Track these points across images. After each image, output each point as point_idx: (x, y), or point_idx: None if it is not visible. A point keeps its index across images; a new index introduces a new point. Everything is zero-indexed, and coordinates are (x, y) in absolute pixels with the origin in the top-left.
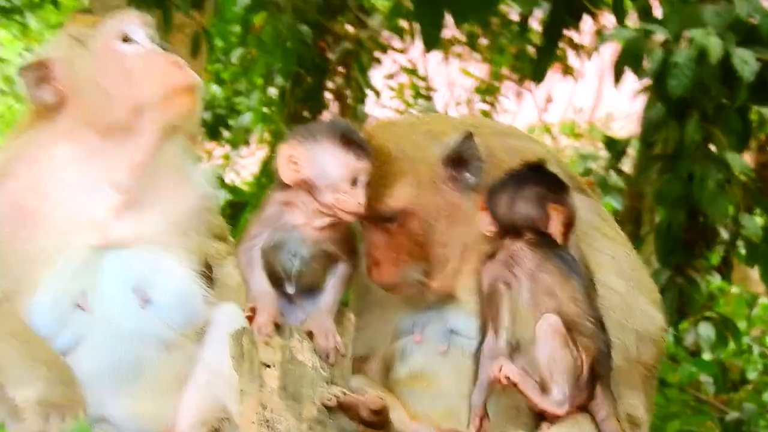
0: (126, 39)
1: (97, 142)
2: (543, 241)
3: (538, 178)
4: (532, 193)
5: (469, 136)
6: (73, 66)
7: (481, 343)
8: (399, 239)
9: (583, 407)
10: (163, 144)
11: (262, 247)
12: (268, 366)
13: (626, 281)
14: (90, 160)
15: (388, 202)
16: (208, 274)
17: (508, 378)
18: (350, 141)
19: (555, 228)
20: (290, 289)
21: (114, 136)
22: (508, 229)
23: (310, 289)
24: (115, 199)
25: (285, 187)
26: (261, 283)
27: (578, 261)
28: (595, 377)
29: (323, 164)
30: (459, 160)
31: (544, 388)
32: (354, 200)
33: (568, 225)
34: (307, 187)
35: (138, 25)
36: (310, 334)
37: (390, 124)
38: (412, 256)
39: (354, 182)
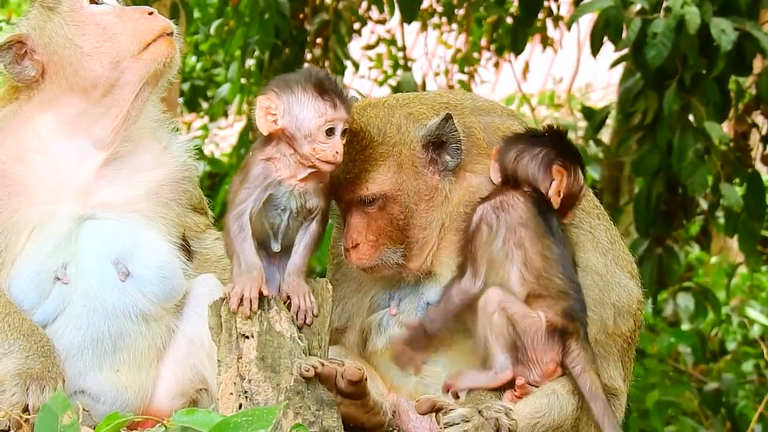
0: (93, 0)
1: (80, 106)
2: (537, 199)
3: (554, 141)
4: (542, 152)
5: (448, 118)
6: (48, 33)
7: (456, 278)
8: (379, 223)
9: (561, 364)
10: (143, 99)
11: (252, 210)
12: (247, 337)
13: (604, 256)
14: (73, 125)
15: (370, 187)
16: (187, 246)
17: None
18: (325, 90)
19: (554, 191)
20: (276, 247)
21: (96, 96)
22: (510, 181)
23: (286, 249)
24: (99, 159)
25: (265, 143)
26: (251, 255)
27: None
28: (564, 333)
29: (299, 114)
30: (439, 142)
31: (485, 363)
32: (331, 150)
33: (570, 197)
34: (286, 138)
35: None
36: (287, 298)
37: (370, 107)
38: (391, 240)
39: (331, 132)
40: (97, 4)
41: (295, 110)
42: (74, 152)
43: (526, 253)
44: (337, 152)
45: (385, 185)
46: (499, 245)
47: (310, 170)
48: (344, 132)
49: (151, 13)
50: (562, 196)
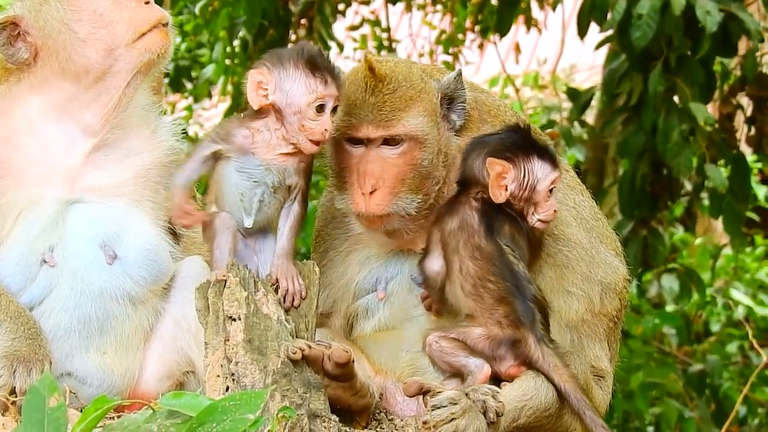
0: None
1: (70, 91)
2: (483, 200)
3: (504, 137)
4: (485, 148)
5: (460, 75)
6: (44, 16)
7: (421, 260)
8: (400, 169)
9: (527, 363)
10: (135, 87)
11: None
12: (233, 319)
13: (589, 232)
14: (63, 109)
15: (405, 125)
16: (173, 229)
17: None
18: (317, 66)
19: (492, 183)
20: (248, 222)
21: (87, 82)
22: (461, 181)
23: (263, 230)
24: (88, 145)
25: (255, 115)
26: (182, 174)
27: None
28: (512, 343)
29: (290, 90)
30: (450, 98)
31: (462, 374)
32: (320, 128)
33: (525, 190)
34: (275, 113)
35: None
36: (275, 280)
37: (387, 60)
38: (409, 188)
39: (321, 109)
40: None
41: (286, 86)
42: (63, 136)
43: (461, 260)
44: (325, 129)
45: (416, 128)
46: (439, 255)
47: (292, 147)
48: (334, 109)
49: (147, 2)
50: (510, 191)
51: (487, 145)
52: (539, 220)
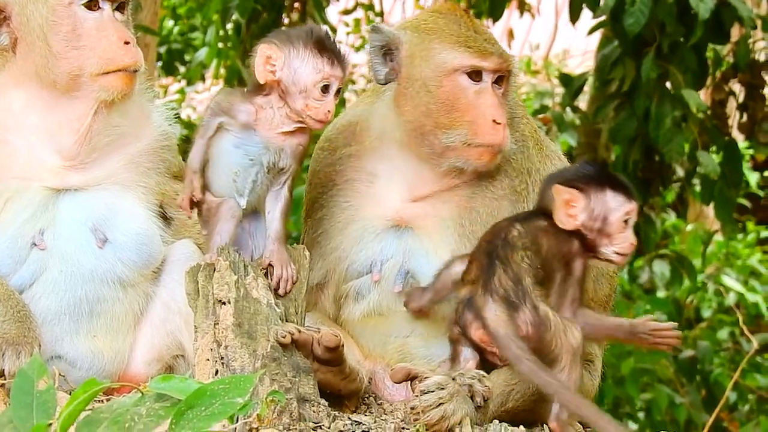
0: (90, 5)
1: (49, 97)
2: (548, 225)
3: (577, 167)
4: (558, 177)
5: None
6: (27, 14)
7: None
8: (504, 108)
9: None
10: (103, 115)
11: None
12: (223, 303)
13: None
14: (44, 110)
15: (514, 63)
16: (164, 213)
17: None
18: (325, 47)
19: (557, 209)
20: (242, 202)
21: (59, 93)
22: (536, 211)
23: (255, 213)
24: (67, 164)
25: (257, 91)
26: (195, 157)
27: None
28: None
29: (297, 69)
30: None
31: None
32: (323, 108)
33: (593, 220)
34: (280, 90)
35: None
36: (269, 267)
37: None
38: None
39: (325, 89)
40: (91, 10)
41: (294, 65)
42: (47, 132)
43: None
44: (328, 111)
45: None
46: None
47: (297, 125)
48: (338, 91)
49: (127, 42)
50: (580, 221)
51: (561, 175)
52: (615, 252)
